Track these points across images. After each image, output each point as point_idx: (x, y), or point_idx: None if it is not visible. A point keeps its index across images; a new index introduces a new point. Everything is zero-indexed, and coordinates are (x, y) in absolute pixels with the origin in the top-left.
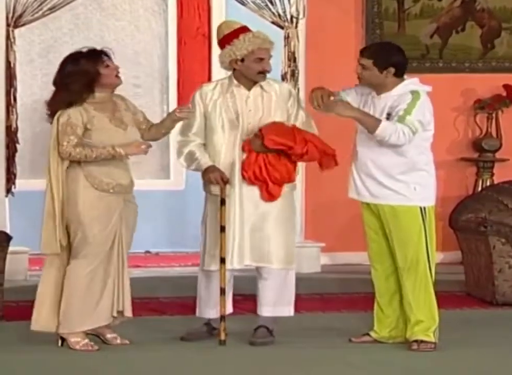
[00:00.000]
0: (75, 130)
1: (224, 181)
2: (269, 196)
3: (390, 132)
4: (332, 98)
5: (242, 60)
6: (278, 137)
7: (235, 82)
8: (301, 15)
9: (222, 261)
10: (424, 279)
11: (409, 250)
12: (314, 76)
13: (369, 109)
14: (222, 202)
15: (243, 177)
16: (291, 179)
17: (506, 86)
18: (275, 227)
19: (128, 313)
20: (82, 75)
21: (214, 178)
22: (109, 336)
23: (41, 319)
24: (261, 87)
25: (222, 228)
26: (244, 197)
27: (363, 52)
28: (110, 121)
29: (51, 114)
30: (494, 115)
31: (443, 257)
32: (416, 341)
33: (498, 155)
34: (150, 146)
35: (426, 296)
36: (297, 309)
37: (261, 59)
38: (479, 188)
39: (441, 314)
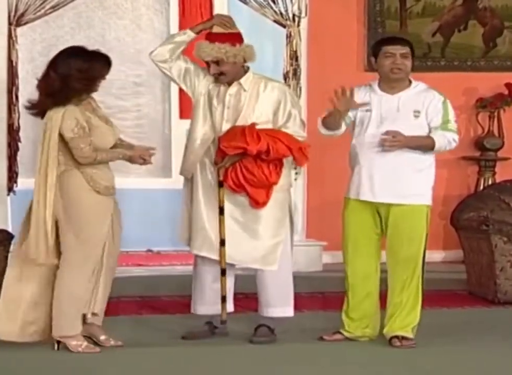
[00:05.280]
0: (86, 132)
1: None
2: (255, 203)
3: (444, 144)
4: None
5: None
6: (230, 142)
7: None
8: (303, 14)
9: (222, 243)
10: (419, 276)
11: (413, 246)
12: (316, 75)
13: (378, 110)
14: (220, 184)
15: (223, 186)
16: (270, 182)
17: (508, 85)
18: (259, 228)
19: (98, 310)
20: (91, 76)
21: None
22: (102, 337)
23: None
24: (240, 85)
25: (221, 211)
26: (224, 199)
27: (398, 41)
28: (100, 119)
29: (43, 111)
30: (495, 114)
31: (445, 255)
32: (397, 337)
33: (500, 154)
34: (152, 154)
35: (416, 292)
36: (298, 307)
37: (211, 62)
38: (481, 187)
39: (443, 313)
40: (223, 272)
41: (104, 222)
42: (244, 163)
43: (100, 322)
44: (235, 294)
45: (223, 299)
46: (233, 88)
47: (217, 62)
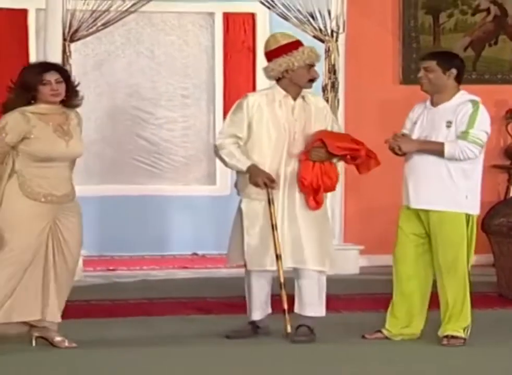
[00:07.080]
0: (3, 138)
1: (271, 181)
2: (316, 204)
3: (457, 153)
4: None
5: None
6: (342, 143)
7: (283, 92)
8: (341, 30)
9: (278, 257)
10: (462, 281)
11: (451, 253)
12: (353, 88)
13: (421, 122)
14: (271, 202)
15: (303, 184)
16: (335, 187)
17: None
18: (311, 231)
19: (52, 318)
20: (21, 86)
21: (261, 183)
22: (57, 339)
23: None
24: (303, 98)
25: (275, 227)
26: (285, 204)
27: (425, 57)
28: (54, 131)
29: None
30: None
31: (477, 259)
32: (446, 336)
33: None
34: None
35: (463, 296)
36: (336, 308)
37: (311, 66)
38: (511, 194)
39: (475, 313)
40: (281, 286)
41: (31, 227)
42: (326, 167)
43: (56, 325)
44: (275, 295)
45: (284, 312)
46: (299, 102)
47: (313, 66)
